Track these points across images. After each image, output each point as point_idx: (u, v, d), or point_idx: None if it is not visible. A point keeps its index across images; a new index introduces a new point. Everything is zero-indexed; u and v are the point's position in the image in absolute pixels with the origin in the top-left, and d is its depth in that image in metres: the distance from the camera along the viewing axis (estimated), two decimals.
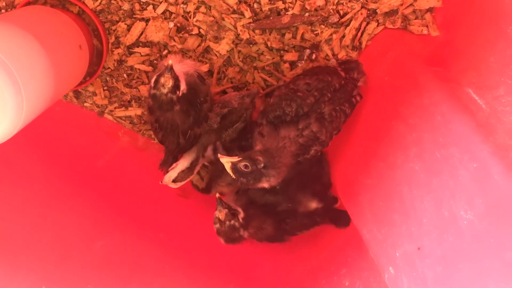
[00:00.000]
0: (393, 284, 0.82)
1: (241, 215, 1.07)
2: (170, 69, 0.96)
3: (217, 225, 1.07)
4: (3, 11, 1.22)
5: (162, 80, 0.97)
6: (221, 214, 1.06)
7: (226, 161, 0.95)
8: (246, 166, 0.93)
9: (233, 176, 0.95)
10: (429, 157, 0.85)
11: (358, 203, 1.00)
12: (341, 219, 1.11)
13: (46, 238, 0.96)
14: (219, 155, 0.97)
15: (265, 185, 0.96)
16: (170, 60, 0.97)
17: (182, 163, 1.10)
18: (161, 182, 1.09)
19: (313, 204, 1.14)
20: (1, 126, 0.87)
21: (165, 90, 0.97)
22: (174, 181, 1.09)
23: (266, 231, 1.13)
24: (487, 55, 0.94)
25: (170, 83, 0.97)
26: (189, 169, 1.10)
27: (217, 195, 1.11)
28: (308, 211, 1.15)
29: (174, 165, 1.11)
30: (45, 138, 1.11)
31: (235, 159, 0.94)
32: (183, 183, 1.11)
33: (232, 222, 1.06)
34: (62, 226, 0.99)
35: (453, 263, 0.72)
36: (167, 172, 1.10)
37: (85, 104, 1.32)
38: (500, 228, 0.67)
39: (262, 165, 0.93)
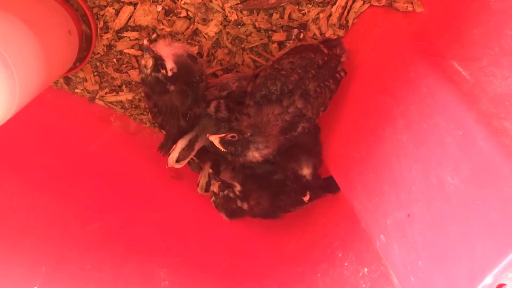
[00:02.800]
0: (384, 251, 0.84)
1: (238, 188, 1.10)
2: (147, 49, 0.97)
3: (213, 198, 1.09)
4: None
5: (142, 61, 0.99)
6: (214, 187, 1.08)
7: (215, 138, 0.97)
8: (233, 137, 0.96)
9: (222, 149, 0.97)
10: (416, 128, 0.88)
11: (349, 176, 1.03)
12: (331, 185, 1.13)
13: (43, 221, 0.97)
14: (208, 135, 0.99)
15: (256, 154, 0.97)
16: (145, 41, 0.99)
17: (181, 142, 1.12)
18: (167, 166, 1.12)
19: (305, 171, 1.16)
20: None
21: (148, 71, 0.99)
22: (177, 160, 1.11)
23: (262, 206, 1.16)
24: (471, 28, 0.96)
25: (150, 62, 0.99)
26: (189, 146, 1.12)
27: (210, 170, 1.13)
28: (301, 183, 1.17)
29: (174, 146, 1.12)
30: (37, 125, 1.12)
31: (223, 135, 0.97)
32: (186, 161, 1.13)
33: (226, 192, 1.08)
34: (59, 209, 1.01)
35: (442, 226, 0.75)
36: (169, 155, 1.12)
37: (76, 90, 1.33)
38: (484, 191, 0.70)
39: (249, 134, 0.96)
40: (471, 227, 0.70)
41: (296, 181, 1.16)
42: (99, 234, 1.00)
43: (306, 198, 1.15)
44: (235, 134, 0.96)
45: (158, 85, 1.01)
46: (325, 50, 1.08)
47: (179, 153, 1.10)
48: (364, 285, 0.91)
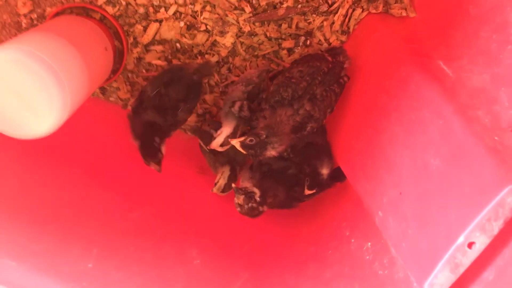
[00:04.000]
0: (382, 225, 0.99)
1: (257, 194, 1.25)
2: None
3: (239, 209, 1.23)
4: (35, 22, 1.39)
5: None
6: (239, 199, 1.23)
7: (236, 142, 1.13)
8: (251, 140, 1.11)
9: (244, 152, 1.12)
10: (406, 119, 1.02)
11: (353, 164, 1.17)
12: (338, 174, 1.27)
13: (92, 211, 1.13)
14: (229, 140, 1.15)
15: (273, 152, 1.13)
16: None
17: (226, 130, 1.26)
18: (209, 147, 1.27)
19: (324, 170, 1.31)
20: (50, 119, 1.04)
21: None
22: (221, 145, 1.26)
23: (278, 198, 1.30)
24: (454, 31, 1.09)
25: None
26: (233, 134, 1.26)
27: (233, 185, 1.29)
28: (317, 179, 1.31)
29: (219, 131, 1.26)
30: (80, 129, 1.28)
31: (242, 139, 1.12)
32: (228, 146, 1.27)
33: (250, 204, 1.22)
34: (104, 201, 1.17)
35: (426, 200, 0.89)
36: (214, 138, 1.27)
37: (110, 99, 1.50)
38: (459, 169, 0.84)
39: (264, 136, 1.11)
40: (448, 198, 0.84)
41: (313, 176, 1.31)
42: (139, 222, 1.16)
43: (308, 192, 1.28)
44: (252, 138, 1.11)
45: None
46: (329, 58, 1.23)
47: (224, 139, 1.25)
48: (368, 257, 1.06)
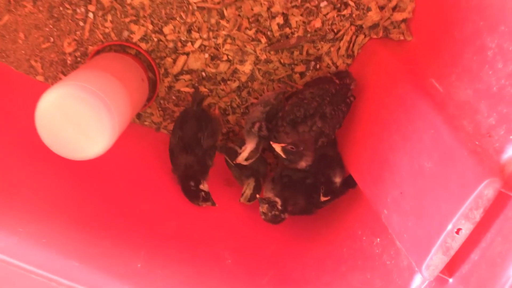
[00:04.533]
0: (387, 220, 1.15)
1: (279, 203, 1.42)
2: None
3: (263, 216, 1.41)
4: (79, 59, 1.60)
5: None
6: (263, 208, 1.40)
7: (278, 145, 1.29)
8: (292, 148, 1.28)
9: (283, 156, 1.29)
10: (404, 130, 1.18)
11: (361, 171, 1.34)
12: (350, 181, 1.43)
13: (137, 220, 1.30)
14: (271, 142, 1.31)
15: (303, 164, 1.30)
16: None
17: (250, 146, 1.43)
18: (235, 162, 1.45)
19: (337, 179, 1.46)
20: (102, 142, 1.21)
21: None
22: (246, 159, 1.43)
23: (299, 205, 1.45)
24: (443, 53, 1.25)
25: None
26: (256, 149, 1.43)
27: (257, 196, 1.46)
28: (330, 187, 1.47)
29: (243, 148, 1.43)
30: (121, 150, 1.46)
31: (283, 144, 1.29)
32: (252, 160, 1.45)
33: (273, 212, 1.40)
34: (147, 212, 1.33)
35: (422, 197, 1.05)
36: (240, 152, 1.44)
37: (145, 123, 1.69)
38: (447, 169, 1.00)
39: (302, 148, 1.28)
40: (439, 194, 1.00)
41: (327, 184, 1.48)
42: (178, 228, 1.33)
43: (323, 198, 1.44)
44: (293, 146, 1.28)
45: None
46: (337, 81, 1.40)
47: (249, 153, 1.43)
48: (377, 250, 1.22)
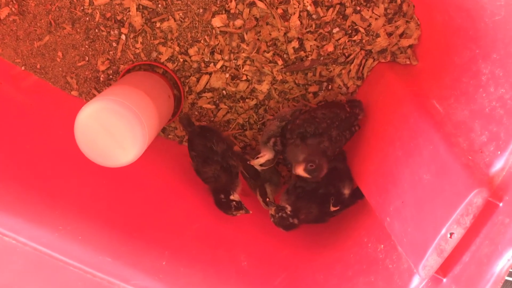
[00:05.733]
0: (390, 227, 1.26)
1: (288, 209, 1.54)
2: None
3: (272, 219, 1.52)
4: (111, 76, 1.75)
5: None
6: (272, 211, 1.52)
7: (299, 168, 1.40)
8: (311, 165, 1.38)
9: (308, 176, 1.39)
10: (406, 146, 1.30)
11: (368, 183, 1.45)
12: (358, 193, 1.53)
13: (163, 223, 1.42)
14: (295, 169, 1.41)
15: (323, 173, 1.40)
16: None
17: (268, 155, 1.54)
18: (250, 162, 1.56)
19: (346, 191, 1.57)
20: (133, 151, 1.34)
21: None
22: (261, 165, 1.54)
23: (312, 214, 1.56)
24: (444, 77, 1.36)
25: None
26: (272, 160, 1.55)
27: (267, 199, 1.58)
28: (340, 198, 1.58)
29: (262, 153, 1.54)
30: (148, 162, 1.60)
31: (303, 166, 1.39)
32: (266, 167, 1.57)
33: (280, 214, 1.50)
34: (171, 216, 1.47)
35: (420, 205, 1.16)
36: (257, 157, 1.54)
37: (169, 136, 1.83)
38: (443, 180, 1.12)
39: (317, 160, 1.38)
40: (435, 202, 1.12)
41: (337, 195, 1.58)
42: (199, 231, 1.45)
43: (333, 208, 1.54)
44: (312, 163, 1.38)
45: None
46: (348, 109, 1.51)
47: (266, 161, 1.54)
48: (381, 255, 1.33)
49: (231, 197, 1.52)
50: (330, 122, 1.47)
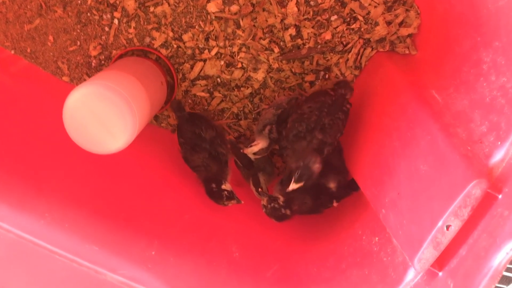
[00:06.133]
0: (385, 219, 1.23)
1: (281, 199, 1.50)
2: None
3: (264, 209, 1.50)
4: (103, 62, 1.71)
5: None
6: (263, 201, 1.49)
7: (295, 185, 1.37)
8: (300, 173, 1.35)
9: (301, 184, 1.36)
10: (404, 136, 1.27)
11: (364, 175, 1.42)
12: (353, 185, 1.51)
13: (153, 213, 1.38)
14: (291, 186, 1.37)
15: (317, 165, 1.35)
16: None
17: (262, 144, 1.51)
18: (243, 151, 1.53)
19: (331, 184, 1.54)
20: (123, 138, 1.30)
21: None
22: (254, 153, 1.51)
23: (306, 205, 1.53)
24: (444, 66, 1.34)
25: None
26: (266, 149, 1.52)
27: (259, 189, 1.55)
28: (327, 193, 1.54)
29: (256, 142, 1.51)
30: (139, 150, 1.56)
31: (296, 180, 1.37)
32: (259, 156, 1.54)
33: (272, 204, 1.47)
34: (164, 206, 1.44)
35: (416, 197, 1.13)
36: (251, 146, 1.51)
37: (161, 124, 1.79)
38: (440, 171, 1.08)
39: (301, 162, 1.35)
40: (432, 194, 1.08)
41: (324, 191, 1.55)
42: (191, 222, 1.41)
43: (335, 204, 1.53)
44: (303, 173, 1.35)
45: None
46: (332, 93, 1.47)
47: (259, 149, 1.51)
48: (375, 248, 1.30)
49: (223, 187, 1.49)
50: (319, 112, 1.42)
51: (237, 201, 1.49)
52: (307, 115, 1.43)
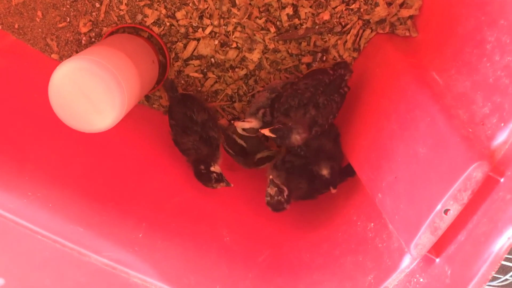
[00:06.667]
0: (381, 203, 1.19)
1: (286, 192, 1.45)
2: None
3: (268, 198, 1.42)
4: (93, 39, 1.65)
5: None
6: (272, 190, 1.42)
7: (266, 130, 1.33)
8: (280, 127, 1.32)
9: (273, 135, 1.32)
10: (402, 119, 1.22)
11: (360, 159, 1.37)
12: (349, 170, 1.47)
13: (141, 195, 1.35)
14: (261, 130, 1.36)
15: (298, 137, 1.32)
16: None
17: (255, 123, 1.46)
18: (233, 122, 1.49)
19: (324, 171, 1.48)
20: (111, 116, 1.25)
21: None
22: (243, 129, 1.46)
23: (301, 191, 1.49)
24: (446, 48, 1.29)
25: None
26: (257, 130, 1.47)
27: (270, 177, 1.50)
28: (322, 180, 1.49)
29: (249, 119, 1.46)
30: (129, 128, 1.51)
31: (271, 127, 1.33)
32: (247, 134, 1.50)
33: (279, 197, 1.41)
34: (153, 188, 1.40)
35: (414, 180, 1.08)
36: (243, 121, 1.46)
37: (153, 105, 1.74)
38: (439, 153, 1.04)
39: (290, 124, 1.32)
40: (431, 177, 1.04)
41: (318, 179, 1.50)
42: (180, 205, 1.37)
43: (333, 191, 1.48)
44: (280, 125, 1.32)
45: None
46: (331, 72, 1.43)
47: (249, 128, 1.46)
48: (370, 234, 1.26)
49: (212, 169, 1.44)
50: (314, 90, 1.38)
51: (227, 184, 1.45)
52: (301, 91, 1.38)
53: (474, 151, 0.99)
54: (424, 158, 1.09)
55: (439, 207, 1.00)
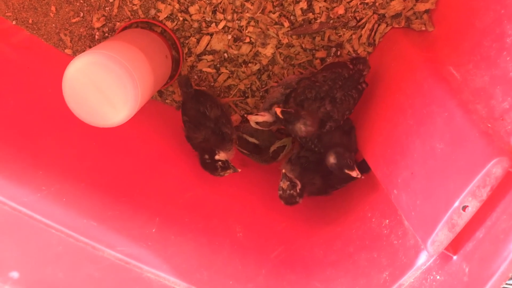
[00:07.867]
0: (396, 200, 1.17)
1: (298, 186, 1.44)
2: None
3: (281, 192, 1.42)
4: (106, 34, 1.65)
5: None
6: (284, 184, 1.41)
7: (277, 108, 1.33)
8: (290, 111, 1.31)
9: (281, 116, 1.31)
10: (419, 114, 1.20)
11: (375, 155, 1.35)
12: (364, 166, 1.44)
13: (155, 190, 1.35)
14: (274, 107, 1.33)
15: (302, 128, 1.31)
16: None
17: (268, 117, 1.44)
18: (246, 115, 1.49)
19: (331, 159, 1.44)
20: (125, 111, 1.26)
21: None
22: (256, 123, 1.45)
23: (315, 186, 1.48)
24: (463, 42, 1.27)
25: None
26: (270, 124, 1.45)
27: (283, 171, 1.48)
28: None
29: (263, 113, 1.44)
30: (142, 124, 1.51)
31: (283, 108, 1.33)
32: (260, 128, 1.48)
33: (292, 191, 1.40)
34: (164, 183, 1.39)
35: (431, 176, 1.07)
36: (257, 114, 1.44)
37: (166, 101, 1.73)
38: (457, 149, 1.02)
39: (302, 113, 1.31)
40: (448, 173, 1.02)
41: (333, 175, 1.47)
42: (193, 200, 1.37)
43: (354, 173, 1.40)
44: (292, 110, 1.32)
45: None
46: (350, 66, 1.41)
47: (262, 121, 1.44)
48: (385, 231, 1.24)
49: (216, 157, 1.43)
50: (332, 83, 1.37)
51: (234, 170, 1.43)
52: (319, 83, 1.37)
53: (494, 147, 0.97)
54: (441, 153, 1.07)
55: (457, 203, 0.98)
